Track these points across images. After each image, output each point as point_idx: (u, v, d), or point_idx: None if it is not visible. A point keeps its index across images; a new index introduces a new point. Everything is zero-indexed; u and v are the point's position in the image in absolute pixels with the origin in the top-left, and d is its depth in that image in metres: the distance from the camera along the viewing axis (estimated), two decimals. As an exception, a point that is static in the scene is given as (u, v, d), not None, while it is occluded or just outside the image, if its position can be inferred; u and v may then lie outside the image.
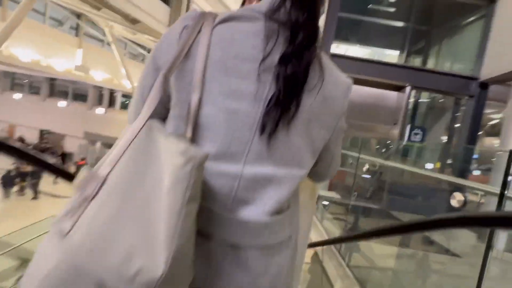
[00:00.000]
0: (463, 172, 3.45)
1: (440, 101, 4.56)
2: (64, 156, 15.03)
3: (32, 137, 17.31)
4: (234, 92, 0.47)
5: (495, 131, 7.19)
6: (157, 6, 9.77)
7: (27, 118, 17.77)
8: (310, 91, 0.50)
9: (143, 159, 0.43)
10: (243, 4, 0.65)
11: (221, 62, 0.47)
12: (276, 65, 0.48)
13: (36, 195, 10.78)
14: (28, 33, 11.12)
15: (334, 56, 3.42)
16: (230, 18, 0.50)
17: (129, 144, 0.42)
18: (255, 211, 0.50)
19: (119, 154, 0.42)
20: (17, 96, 18.06)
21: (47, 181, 12.76)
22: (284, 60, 0.47)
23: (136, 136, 0.43)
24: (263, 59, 0.47)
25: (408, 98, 3.56)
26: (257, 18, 0.50)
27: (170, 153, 0.40)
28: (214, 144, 0.48)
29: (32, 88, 18.35)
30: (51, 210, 9.42)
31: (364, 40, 4.47)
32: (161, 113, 0.52)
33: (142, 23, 9.90)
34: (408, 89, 3.63)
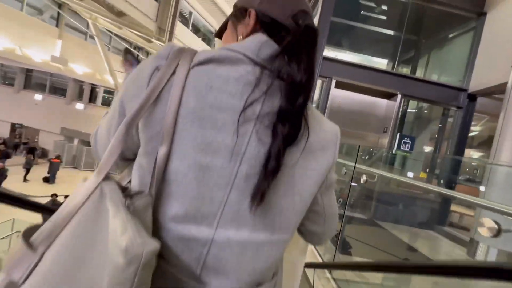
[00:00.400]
0: (451, 183, 3.46)
1: (425, 111, 4.59)
2: (33, 151, 14.05)
3: (3, 131, 16.17)
4: (208, 145, 0.43)
5: (474, 142, 7.41)
6: (144, 1, 9.43)
7: (-2, 110, 16.61)
8: (296, 145, 0.45)
9: (86, 239, 0.38)
10: (219, 36, 0.63)
11: (195, 112, 0.43)
12: (263, 118, 0.44)
13: None
14: (3, 20, 10.40)
15: (327, 60, 3.31)
16: (209, 60, 0.45)
17: (75, 212, 0.39)
18: (228, 283, 0.44)
19: (62, 224, 0.38)
20: (-12, 86, 16.83)
21: (16, 178, 11.93)
22: (283, 118, 0.44)
23: (84, 203, 0.39)
24: (244, 109, 0.43)
25: (400, 106, 3.52)
26: (241, 60, 0.45)
27: (113, 245, 0.35)
28: (183, 203, 0.43)
29: (6, 79, 17.20)
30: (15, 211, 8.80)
31: (355, 46, 4.43)
32: (128, 157, 0.49)
33: (128, 16, 9.51)
34: (399, 97, 3.59)
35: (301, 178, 0.47)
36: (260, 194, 0.42)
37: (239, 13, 0.54)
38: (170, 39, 8.97)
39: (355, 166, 2.52)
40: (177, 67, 0.44)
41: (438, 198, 3.61)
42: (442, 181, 3.77)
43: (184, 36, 10.66)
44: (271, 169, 0.42)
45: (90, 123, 16.08)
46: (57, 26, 13.32)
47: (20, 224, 6.58)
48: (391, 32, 4.27)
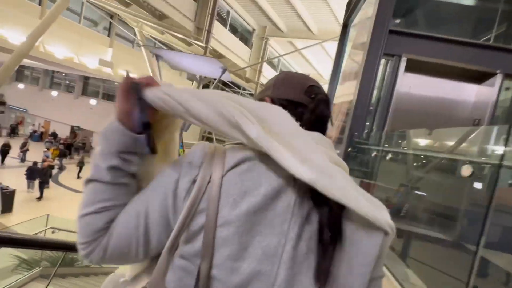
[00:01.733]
0: None
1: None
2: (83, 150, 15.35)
3: (64, 133, 18.11)
4: (249, 253, 0.43)
5: None
6: (183, 1, 9.57)
7: (60, 115, 18.68)
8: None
9: None
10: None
11: (233, 220, 0.43)
12: (301, 216, 0.45)
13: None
14: (64, 32, 11.52)
15: (394, 33, 2.59)
16: (240, 162, 0.46)
17: None
18: None
19: None
20: (54, 93, 19.06)
21: (72, 175, 13.07)
22: (323, 215, 0.44)
23: None
24: (279, 209, 0.44)
25: (500, 89, 2.60)
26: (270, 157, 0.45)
27: None
28: None
29: (68, 87, 19.30)
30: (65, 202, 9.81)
31: (432, 20, 3.49)
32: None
33: (169, 19, 9.74)
34: (499, 77, 2.66)
35: (345, 276, 0.44)
36: None
37: None
38: (207, 39, 8.92)
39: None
40: (211, 176, 0.45)
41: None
42: None
43: (222, 36, 10.62)
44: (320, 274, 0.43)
45: (135, 126, 17.05)
46: (108, 35, 14.45)
47: (53, 220, 6.86)
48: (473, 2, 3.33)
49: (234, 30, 11.09)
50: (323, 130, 0.53)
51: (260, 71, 11.95)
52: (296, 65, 16.90)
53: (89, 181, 0.48)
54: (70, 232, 5.27)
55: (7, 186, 8.40)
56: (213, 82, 12.02)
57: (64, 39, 11.57)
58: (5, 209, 8.16)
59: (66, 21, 11.93)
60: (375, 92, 2.76)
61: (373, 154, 2.74)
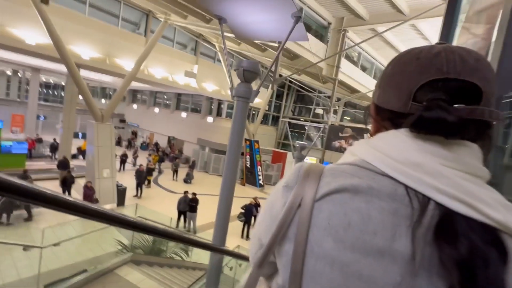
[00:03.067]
0: None
1: None
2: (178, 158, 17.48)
3: (163, 143, 21.44)
4: None
5: None
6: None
7: (160, 127, 22.26)
8: None
9: None
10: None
11: (332, 255, 0.37)
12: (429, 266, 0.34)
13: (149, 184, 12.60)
14: (161, 56, 13.68)
15: None
16: (344, 189, 0.39)
17: None
18: None
19: None
20: (156, 110, 22.91)
21: (168, 178, 15.07)
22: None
23: None
24: (413, 257, 0.34)
25: None
26: (384, 186, 0.38)
27: None
28: None
29: (166, 104, 22.90)
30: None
31: None
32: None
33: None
34: None
35: None
36: None
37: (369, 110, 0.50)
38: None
39: None
40: (302, 199, 0.40)
41: None
42: None
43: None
44: None
45: (217, 133, 18.64)
46: (194, 54, 16.40)
47: (142, 209, 7.58)
48: None
49: (307, 27, 10.58)
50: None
51: (337, 67, 10.90)
52: (381, 57, 14.85)
53: None
54: (156, 223, 5.81)
55: (121, 184, 10.19)
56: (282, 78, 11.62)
57: (161, 61, 13.72)
58: (119, 203, 9.91)
59: (162, 47, 14.17)
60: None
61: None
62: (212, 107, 19.32)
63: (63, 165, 10.47)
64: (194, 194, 9.02)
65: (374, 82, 15.06)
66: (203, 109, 19.50)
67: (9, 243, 4.95)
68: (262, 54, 12.97)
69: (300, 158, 3.78)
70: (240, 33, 2.57)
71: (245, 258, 2.20)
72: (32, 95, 17.69)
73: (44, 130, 19.98)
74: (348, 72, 12.48)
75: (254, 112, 20.50)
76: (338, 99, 19.86)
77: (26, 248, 4.12)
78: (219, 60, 16.93)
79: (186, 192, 9.25)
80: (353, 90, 15.54)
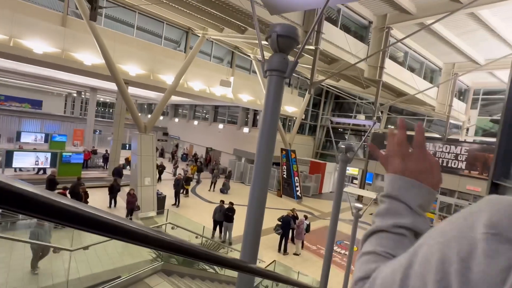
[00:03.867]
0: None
1: None
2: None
3: (201, 154, 22.12)
4: None
5: None
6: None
7: (199, 139, 23.09)
8: None
9: None
10: None
11: None
12: None
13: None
14: (199, 69, 14.29)
15: None
16: None
17: None
18: None
19: None
20: (195, 123, 23.92)
21: (206, 188, 15.28)
22: None
23: None
24: None
25: None
26: None
27: None
28: None
29: (204, 118, 23.81)
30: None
31: None
32: None
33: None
34: None
35: None
36: None
37: None
38: (317, 40, 8.29)
39: None
40: None
41: None
42: None
43: (332, 36, 9.80)
44: None
45: (253, 143, 18.57)
46: (230, 66, 16.82)
47: (172, 215, 7.49)
48: None
49: (346, 29, 10.00)
50: None
51: (381, 68, 9.98)
52: (432, 56, 13.34)
53: (374, 232, 0.49)
54: (186, 230, 5.65)
55: (161, 192, 10.50)
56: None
57: (199, 75, 14.31)
58: (159, 211, 10.17)
59: (200, 61, 14.84)
60: None
61: None
62: (248, 118, 19.42)
63: (118, 172, 11.30)
64: (231, 203, 8.82)
65: (424, 83, 13.62)
66: (239, 120, 19.72)
67: (35, 242, 4.99)
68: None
69: (345, 161, 3.27)
70: (274, 7, 2.26)
71: (281, 280, 1.77)
72: (90, 112, 19.89)
73: (99, 143, 22.20)
74: (394, 73, 11.39)
75: (290, 123, 20.05)
76: (381, 104, 18.38)
77: (56, 250, 4.24)
78: (254, 72, 17.10)
79: (222, 202, 9.09)
80: (399, 93, 14.19)
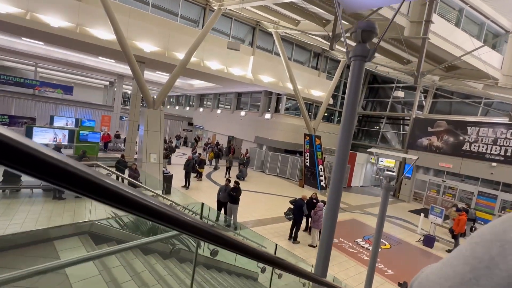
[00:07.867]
0: None
1: None
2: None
3: (223, 142, 21.50)
4: None
5: None
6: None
7: (221, 128, 22.50)
8: None
9: None
10: None
11: None
12: None
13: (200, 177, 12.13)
14: (218, 49, 13.49)
15: None
16: None
17: None
18: None
19: None
20: (218, 111, 23.38)
21: (222, 174, 14.46)
22: None
23: None
24: None
25: None
26: None
27: None
28: None
29: (226, 104, 23.16)
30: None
31: None
32: None
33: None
34: None
35: None
36: None
37: None
38: None
39: None
40: None
41: None
42: None
43: None
44: None
45: (275, 129, 17.33)
46: (251, 46, 15.77)
47: (178, 195, 6.60)
48: None
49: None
50: None
51: (427, 22, 7.96)
52: (497, 14, 10.70)
53: None
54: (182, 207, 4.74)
55: (168, 171, 9.85)
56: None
57: (217, 54, 13.52)
58: (166, 191, 9.54)
59: (219, 39, 14.04)
60: None
61: None
62: (270, 103, 18.22)
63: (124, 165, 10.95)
64: (236, 182, 7.79)
65: (485, 49, 10.82)
66: (261, 106, 18.61)
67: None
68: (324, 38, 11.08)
69: (388, 189, 2.34)
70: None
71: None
72: (117, 99, 20.43)
73: (124, 128, 22.82)
74: (443, 33, 9.19)
75: (317, 110, 18.37)
76: (426, 91, 15.76)
77: None
78: (277, 54, 15.80)
79: (228, 181, 8.11)
80: (449, 68, 11.81)
